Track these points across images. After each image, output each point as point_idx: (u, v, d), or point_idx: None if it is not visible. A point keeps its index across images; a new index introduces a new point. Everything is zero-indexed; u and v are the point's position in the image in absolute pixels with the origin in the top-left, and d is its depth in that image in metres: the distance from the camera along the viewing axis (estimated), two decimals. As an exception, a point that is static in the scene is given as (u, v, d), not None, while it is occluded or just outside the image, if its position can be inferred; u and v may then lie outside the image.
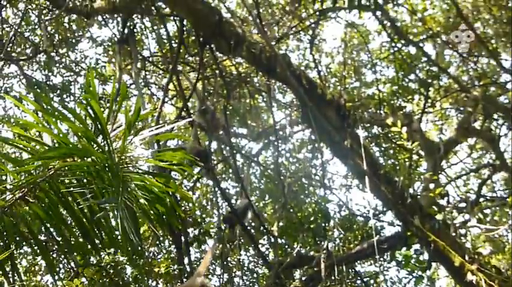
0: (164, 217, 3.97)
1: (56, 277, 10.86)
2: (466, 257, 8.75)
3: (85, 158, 3.90)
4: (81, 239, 4.29)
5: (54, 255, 10.91)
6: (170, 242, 11.68)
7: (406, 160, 12.95)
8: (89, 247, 4.28)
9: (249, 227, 11.16)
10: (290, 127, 13.41)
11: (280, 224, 11.38)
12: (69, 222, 4.18)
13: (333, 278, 10.44)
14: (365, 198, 14.56)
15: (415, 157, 13.08)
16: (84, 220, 4.07)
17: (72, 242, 4.33)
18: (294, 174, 13.34)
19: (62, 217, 4.11)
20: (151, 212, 3.92)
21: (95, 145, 3.79)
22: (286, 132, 13.44)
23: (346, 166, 10.47)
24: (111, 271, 10.08)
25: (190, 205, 12.16)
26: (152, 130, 4.05)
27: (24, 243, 4.30)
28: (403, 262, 9.72)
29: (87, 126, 3.76)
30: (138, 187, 3.79)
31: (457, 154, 14.14)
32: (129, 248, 4.11)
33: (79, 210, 4.04)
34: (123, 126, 3.77)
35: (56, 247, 4.65)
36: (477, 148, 14.20)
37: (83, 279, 10.08)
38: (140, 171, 3.89)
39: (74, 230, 4.20)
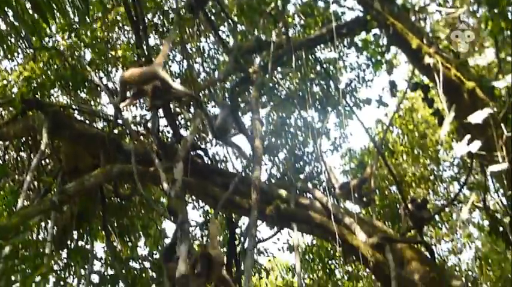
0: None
1: (14, 62, 10.80)
2: (425, 41, 8.77)
3: None
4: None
5: (12, 39, 10.69)
6: (129, 29, 11.50)
7: None
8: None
9: (209, 14, 10.97)
10: None
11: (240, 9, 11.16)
12: None
13: (292, 64, 10.45)
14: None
15: None
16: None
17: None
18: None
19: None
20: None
21: None
22: None
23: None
24: (69, 55, 9.95)
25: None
26: None
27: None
28: (362, 47, 9.75)
29: None
30: None
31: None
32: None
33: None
34: None
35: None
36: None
37: (40, 64, 9.96)
38: None
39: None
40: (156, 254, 11.60)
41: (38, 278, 6.65)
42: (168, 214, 7.92)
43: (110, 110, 11.74)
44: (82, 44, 10.45)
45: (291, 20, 12.00)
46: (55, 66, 10.04)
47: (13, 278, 6.42)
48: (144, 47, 9.91)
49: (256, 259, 12.77)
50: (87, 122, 10.67)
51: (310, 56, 12.07)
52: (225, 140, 9.70)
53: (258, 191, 7.42)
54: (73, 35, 10.43)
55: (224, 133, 9.19)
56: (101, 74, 11.22)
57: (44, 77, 9.83)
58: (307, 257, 14.30)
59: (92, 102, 11.94)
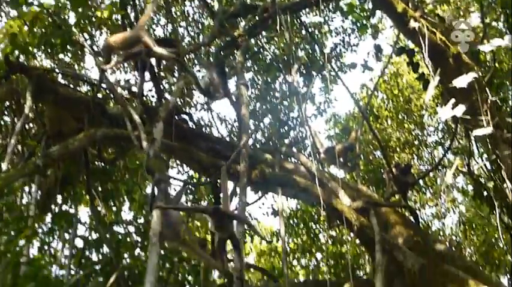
0: None
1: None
2: (410, 5, 8.72)
3: None
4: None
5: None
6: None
7: None
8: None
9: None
10: None
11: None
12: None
13: (277, 28, 10.35)
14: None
15: None
16: None
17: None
18: None
19: None
20: None
21: None
22: None
23: None
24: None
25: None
26: None
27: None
28: (348, 11, 9.70)
29: None
30: None
31: None
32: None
33: None
34: None
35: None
36: None
37: (25, 27, 9.77)
38: None
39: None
40: (140, 218, 11.60)
41: (22, 242, 6.66)
42: (146, 173, 7.88)
43: (94, 74, 11.61)
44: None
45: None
46: (40, 30, 9.83)
47: (-3, 241, 6.42)
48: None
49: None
50: (71, 86, 10.56)
51: (295, 20, 11.98)
52: (214, 99, 9.59)
53: (246, 160, 7.46)
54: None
55: (212, 93, 9.10)
56: (86, 36, 11.04)
57: (28, 38, 9.63)
58: (291, 221, 14.39)
59: (76, 67, 11.82)
